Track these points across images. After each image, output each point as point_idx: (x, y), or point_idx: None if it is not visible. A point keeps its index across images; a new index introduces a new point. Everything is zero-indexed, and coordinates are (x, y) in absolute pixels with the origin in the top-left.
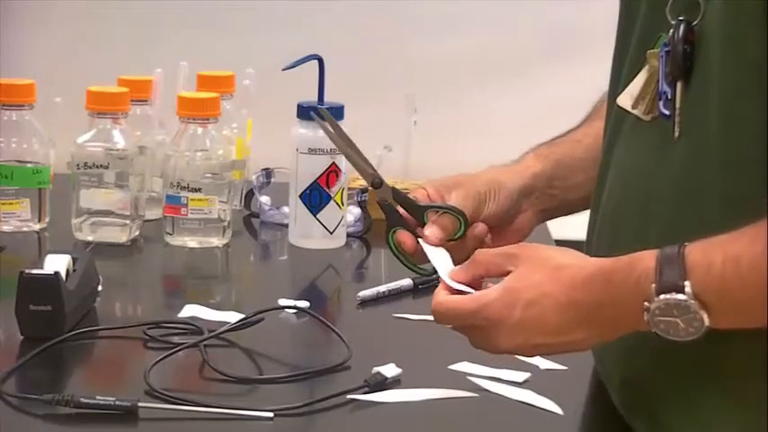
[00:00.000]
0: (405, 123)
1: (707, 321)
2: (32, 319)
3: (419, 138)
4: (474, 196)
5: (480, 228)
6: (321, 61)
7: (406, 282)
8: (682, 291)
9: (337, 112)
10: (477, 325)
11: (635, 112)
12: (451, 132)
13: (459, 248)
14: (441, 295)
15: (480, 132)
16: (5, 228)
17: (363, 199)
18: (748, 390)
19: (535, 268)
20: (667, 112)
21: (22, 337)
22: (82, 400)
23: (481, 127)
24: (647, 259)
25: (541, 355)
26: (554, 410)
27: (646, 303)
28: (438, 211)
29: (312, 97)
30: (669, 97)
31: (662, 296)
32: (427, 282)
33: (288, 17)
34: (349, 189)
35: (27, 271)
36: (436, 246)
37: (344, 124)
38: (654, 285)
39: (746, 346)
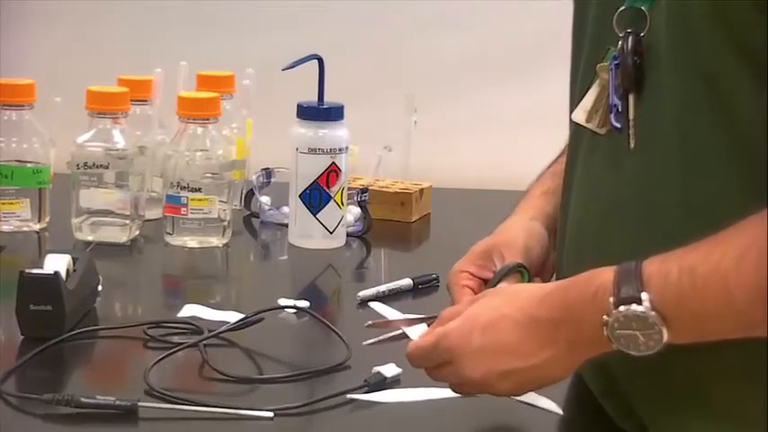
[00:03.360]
0: (405, 123)
1: (665, 334)
2: (32, 319)
3: (419, 138)
4: (520, 251)
5: None
6: (321, 61)
7: (406, 282)
8: (639, 302)
9: (337, 112)
10: (444, 361)
11: (589, 126)
12: (451, 132)
13: None
14: (410, 346)
15: (480, 132)
16: (5, 228)
17: (363, 199)
18: (722, 399)
19: (493, 295)
20: (618, 125)
21: (22, 337)
22: (82, 399)
23: (481, 127)
24: (605, 274)
25: (514, 388)
26: (554, 410)
27: (605, 317)
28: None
29: (312, 97)
30: (620, 110)
31: (620, 308)
32: (427, 282)
33: (288, 17)
34: (349, 189)
35: (27, 271)
36: None
37: (344, 124)
38: (612, 299)
39: (724, 357)
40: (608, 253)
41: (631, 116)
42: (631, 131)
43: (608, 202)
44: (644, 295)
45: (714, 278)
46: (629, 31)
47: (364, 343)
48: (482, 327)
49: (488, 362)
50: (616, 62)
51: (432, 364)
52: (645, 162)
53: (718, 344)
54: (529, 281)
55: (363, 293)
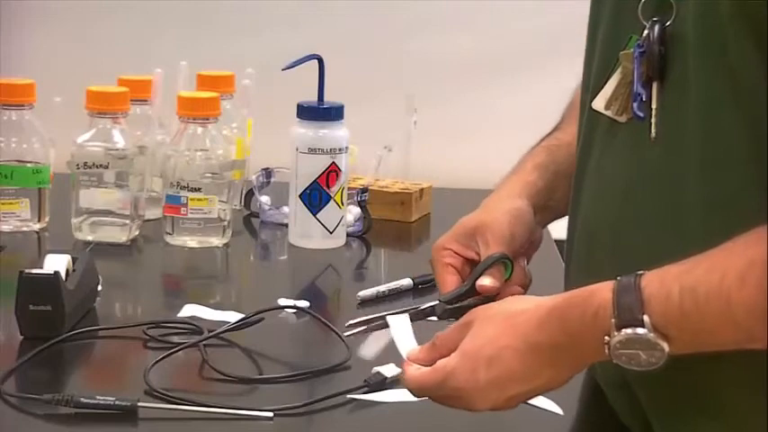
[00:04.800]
0: (405, 123)
1: (666, 351)
2: (32, 319)
3: (419, 138)
4: (504, 234)
5: (518, 285)
6: (321, 61)
7: (406, 282)
8: (641, 325)
9: (337, 112)
10: (449, 394)
11: (608, 113)
12: (451, 132)
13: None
14: (410, 371)
15: (480, 132)
16: (5, 228)
17: (363, 199)
18: (731, 402)
19: (486, 323)
20: (642, 114)
21: (22, 337)
22: (82, 399)
23: (481, 127)
24: (603, 292)
25: (516, 404)
26: (554, 410)
27: (606, 338)
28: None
29: (312, 97)
30: (644, 99)
31: (622, 331)
32: (427, 281)
33: (288, 17)
34: (349, 189)
35: (27, 271)
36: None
37: (344, 124)
38: (613, 320)
39: (729, 360)
40: (623, 244)
41: (654, 105)
42: (653, 120)
43: (626, 191)
44: (646, 318)
45: (716, 298)
46: (654, 19)
47: (345, 334)
48: (486, 363)
49: (496, 393)
50: (641, 50)
51: (434, 395)
52: (667, 153)
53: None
54: (511, 271)
55: (363, 293)
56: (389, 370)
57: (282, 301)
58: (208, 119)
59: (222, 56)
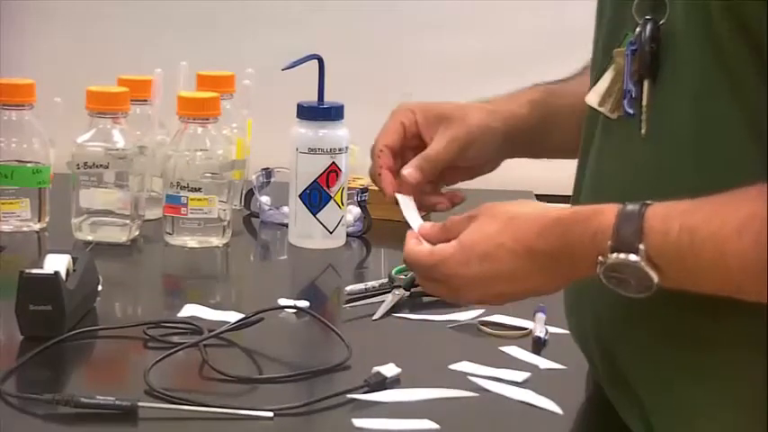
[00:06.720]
0: None
1: (656, 282)
2: (32, 319)
3: None
4: (460, 141)
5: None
6: (321, 61)
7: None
8: (636, 252)
9: (337, 112)
10: (438, 279)
11: (602, 110)
12: None
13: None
14: (410, 244)
15: None
16: (5, 228)
17: (363, 198)
18: (734, 400)
19: (490, 220)
20: (631, 111)
21: (22, 337)
22: (82, 399)
23: None
24: (607, 214)
25: (505, 302)
26: (554, 410)
27: (600, 258)
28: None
29: (312, 97)
30: (633, 96)
31: (616, 254)
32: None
33: (288, 17)
34: (349, 189)
35: (27, 271)
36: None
37: (344, 124)
38: (609, 243)
39: (730, 359)
40: None
41: (644, 102)
42: (644, 117)
43: (621, 191)
44: (641, 247)
45: (711, 244)
46: (648, 18)
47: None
48: (479, 257)
49: (485, 288)
50: (633, 48)
51: (423, 277)
52: (659, 150)
53: (719, 324)
54: None
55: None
56: (389, 370)
57: (282, 301)
58: (208, 119)
59: (222, 56)
